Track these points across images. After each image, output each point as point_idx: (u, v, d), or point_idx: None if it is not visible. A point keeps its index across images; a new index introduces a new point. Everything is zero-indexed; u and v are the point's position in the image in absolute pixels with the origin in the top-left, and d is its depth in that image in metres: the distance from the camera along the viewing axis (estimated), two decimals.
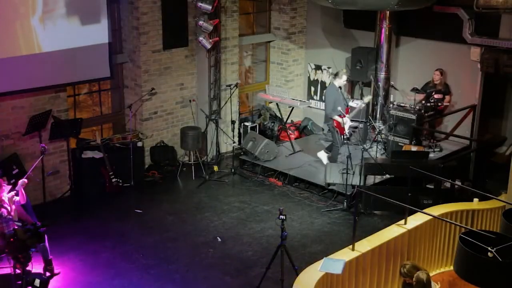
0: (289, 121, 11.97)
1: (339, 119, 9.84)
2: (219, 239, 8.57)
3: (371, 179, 9.71)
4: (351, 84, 12.22)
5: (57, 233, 8.19)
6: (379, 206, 9.29)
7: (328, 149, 10.42)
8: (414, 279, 5.62)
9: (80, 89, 10.83)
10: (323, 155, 10.46)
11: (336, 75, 10.09)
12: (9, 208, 7.20)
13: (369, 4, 10.20)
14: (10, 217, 7.17)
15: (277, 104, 11.84)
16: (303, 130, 12.51)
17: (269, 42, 12.85)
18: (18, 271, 6.92)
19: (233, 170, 10.84)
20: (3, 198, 7.19)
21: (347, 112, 9.97)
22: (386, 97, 11.47)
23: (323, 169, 10.04)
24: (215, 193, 10.09)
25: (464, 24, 10.44)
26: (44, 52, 9.09)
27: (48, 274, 7.40)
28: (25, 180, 7.47)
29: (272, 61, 12.97)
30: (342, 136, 9.96)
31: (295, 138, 11.86)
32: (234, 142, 10.97)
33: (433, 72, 10.81)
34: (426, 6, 10.44)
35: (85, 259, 7.96)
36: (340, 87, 10.07)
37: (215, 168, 10.98)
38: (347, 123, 9.94)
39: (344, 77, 10.02)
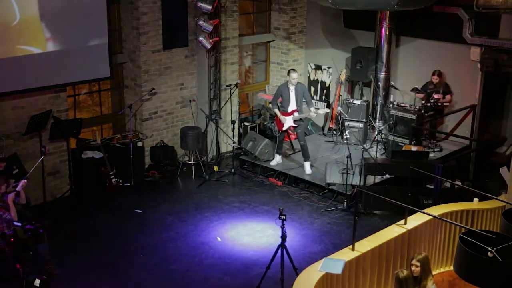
0: None
1: (280, 116, 10.20)
2: (219, 239, 8.57)
3: (371, 179, 9.71)
4: (351, 84, 12.22)
5: (57, 233, 8.20)
6: (379, 206, 9.29)
7: (305, 156, 10.33)
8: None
9: (80, 89, 10.83)
10: (306, 165, 10.37)
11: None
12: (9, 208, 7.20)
13: (369, 4, 10.20)
14: (10, 217, 7.17)
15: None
16: None
17: (269, 42, 12.85)
18: (18, 271, 6.94)
19: (233, 170, 10.84)
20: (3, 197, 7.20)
21: (291, 113, 10.08)
22: (386, 97, 11.48)
23: (323, 169, 10.04)
24: (215, 193, 10.09)
25: (464, 24, 10.44)
26: (44, 52, 9.09)
27: (48, 274, 7.40)
28: (26, 181, 7.47)
29: (272, 61, 12.97)
30: (279, 132, 10.41)
31: (295, 138, 11.84)
32: (234, 142, 10.96)
33: (431, 75, 10.79)
34: (426, 6, 10.44)
35: (85, 259, 7.95)
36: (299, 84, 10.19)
37: (215, 168, 10.98)
38: (286, 122, 10.18)
39: (293, 75, 10.07)
